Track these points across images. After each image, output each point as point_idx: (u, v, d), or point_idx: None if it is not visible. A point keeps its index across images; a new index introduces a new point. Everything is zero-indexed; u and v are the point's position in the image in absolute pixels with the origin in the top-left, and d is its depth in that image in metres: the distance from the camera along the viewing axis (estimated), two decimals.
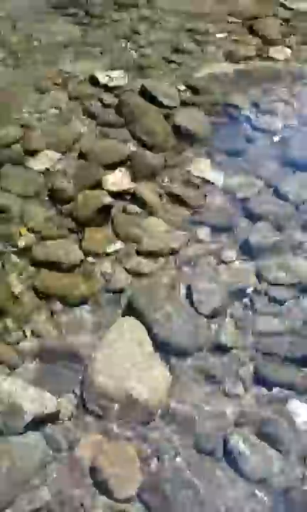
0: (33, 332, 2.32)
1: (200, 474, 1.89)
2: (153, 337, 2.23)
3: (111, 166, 3.02)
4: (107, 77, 3.58)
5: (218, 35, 4.19)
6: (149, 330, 2.25)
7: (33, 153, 3.08)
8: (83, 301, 2.45)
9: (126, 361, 2.13)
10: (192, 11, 4.51)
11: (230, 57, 3.92)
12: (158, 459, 1.93)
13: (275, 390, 2.12)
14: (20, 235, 2.68)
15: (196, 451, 1.97)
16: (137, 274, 2.55)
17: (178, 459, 1.94)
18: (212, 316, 2.36)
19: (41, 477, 1.87)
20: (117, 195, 2.89)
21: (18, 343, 2.28)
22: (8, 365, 2.19)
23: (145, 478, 1.86)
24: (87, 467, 1.90)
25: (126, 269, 2.57)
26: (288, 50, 4.01)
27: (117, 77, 3.60)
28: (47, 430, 1.98)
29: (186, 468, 1.91)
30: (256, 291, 2.45)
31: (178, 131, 3.27)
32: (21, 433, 1.93)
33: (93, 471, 1.88)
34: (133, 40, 4.10)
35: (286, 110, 3.46)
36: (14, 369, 2.18)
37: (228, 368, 2.20)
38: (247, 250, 2.62)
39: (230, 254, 2.62)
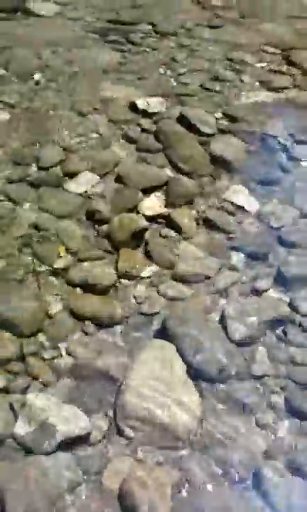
0: (67, 351, 2.35)
1: (229, 504, 1.88)
2: (185, 362, 2.24)
3: (148, 191, 3.08)
4: (146, 104, 3.65)
5: (256, 65, 4.26)
6: (182, 354, 2.26)
7: (72, 175, 3.15)
8: (116, 323, 2.48)
9: (159, 384, 2.14)
10: (230, 41, 4.61)
11: (268, 86, 3.99)
12: (189, 485, 1.93)
13: None
14: (59, 255, 2.73)
15: (226, 480, 1.96)
16: (170, 299, 2.57)
17: (208, 487, 1.93)
18: (245, 344, 2.37)
19: (70, 499, 1.87)
20: (152, 219, 2.94)
21: (52, 360, 2.31)
22: (43, 381, 2.22)
23: (175, 504, 1.85)
24: (117, 491, 1.90)
25: (159, 293, 2.60)
26: None
27: (156, 104, 3.68)
28: (77, 451, 2.00)
29: (216, 497, 1.90)
30: (289, 321, 2.45)
31: (214, 158, 3.32)
32: (52, 452, 1.94)
33: (122, 494, 1.88)
34: (171, 68, 4.19)
35: None
36: (48, 386, 2.21)
37: (260, 396, 2.20)
38: (281, 279, 2.63)
39: (264, 282, 2.64)
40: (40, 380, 2.22)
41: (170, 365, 2.22)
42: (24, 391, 2.17)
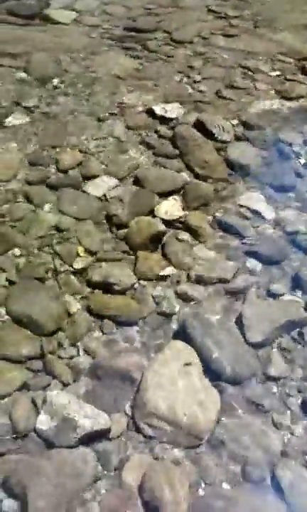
0: (85, 349, 2.39)
1: (246, 502, 1.91)
2: (203, 362, 2.28)
3: (165, 195, 3.13)
4: (163, 110, 3.71)
5: (271, 74, 4.32)
6: (200, 355, 2.30)
7: (90, 178, 3.20)
8: (134, 323, 2.52)
9: (176, 384, 2.18)
10: (245, 50, 4.67)
11: (282, 95, 4.04)
12: (206, 484, 1.96)
13: None
14: (78, 255, 2.78)
15: (243, 479, 1.99)
16: (188, 300, 2.61)
17: (224, 485, 1.97)
18: (261, 346, 2.40)
19: (92, 492, 1.91)
20: (169, 222, 2.98)
21: (71, 359, 2.35)
22: (62, 380, 2.25)
23: (193, 501, 1.88)
24: (136, 486, 1.93)
25: (177, 294, 2.64)
26: None
27: (173, 110, 3.74)
28: (98, 446, 2.03)
29: (233, 495, 1.93)
30: (305, 324, 2.48)
31: (230, 164, 3.37)
32: (73, 446, 1.99)
33: (142, 490, 1.91)
34: (188, 75, 4.25)
35: None
36: (67, 384, 2.24)
37: (276, 398, 2.23)
38: (297, 283, 2.66)
39: (280, 286, 2.67)
40: (60, 379, 2.25)
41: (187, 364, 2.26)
42: (45, 388, 2.21)
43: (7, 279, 2.62)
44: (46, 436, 2.01)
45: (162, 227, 2.88)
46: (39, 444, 2.01)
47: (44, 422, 2.03)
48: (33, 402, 2.14)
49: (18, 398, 2.18)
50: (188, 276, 2.72)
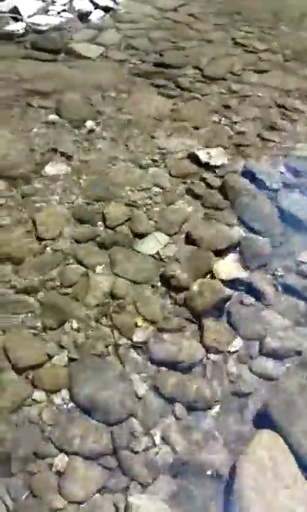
0: (161, 440, 2.18)
1: None
2: (295, 455, 2.07)
3: (221, 252, 2.95)
4: (208, 156, 3.54)
5: None
6: (290, 446, 2.09)
7: (141, 235, 3.01)
8: (209, 406, 2.31)
9: (274, 484, 1.97)
10: (279, 87, 4.53)
11: None
12: None
13: None
14: (137, 325, 2.57)
15: None
16: (264, 377, 2.41)
17: None
18: None
19: None
20: (231, 284, 2.79)
21: (147, 451, 2.13)
22: (141, 481, 2.04)
23: None
24: None
25: (251, 371, 2.44)
26: None
27: (218, 156, 3.57)
28: None
29: None
30: None
31: (284, 216, 3.19)
32: None
33: None
34: (225, 116, 4.09)
35: None
36: (147, 485, 2.03)
37: None
38: None
39: None
40: (139, 480, 2.04)
41: (280, 460, 2.05)
42: (124, 491, 2.00)
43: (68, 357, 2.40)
44: None
45: (227, 291, 2.70)
46: None
47: None
48: (115, 507, 1.92)
49: (98, 503, 1.96)
50: (260, 348, 2.51)
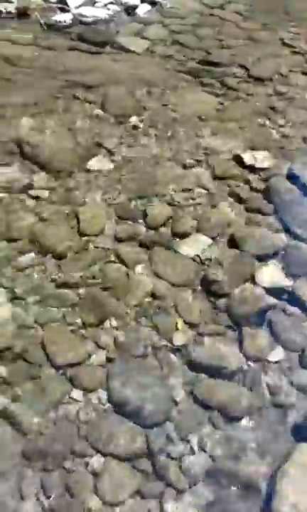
0: (198, 447, 2.15)
1: None
2: None
3: (264, 258, 2.89)
4: (253, 158, 3.48)
5: None
6: None
7: (182, 236, 2.97)
8: (247, 415, 2.27)
9: None
10: None
11: None
12: None
13: None
14: (177, 328, 2.54)
15: None
16: (304, 390, 2.36)
17: None
18: None
19: None
20: (272, 290, 2.74)
21: (182, 458, 2.10)
22: (177, 487, 2.01)
23: None
24: None
25: (292, 383, 2.39)
26: None
27: (263, 159, 3.50)
28: None
29: None
30: None
31: None
32: None
33: None
34: (271, 118, 4.01)
35: None
36: (183, 492, 2.00)
37: None
38: None
39: None
40: (175, 486, 2.01)
41: None
42: (159, 497, 1.97)
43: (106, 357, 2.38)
44: None
45: (270, 300, 2.64)
46: None
47: None
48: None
49: (133, 507, 1.94)
50: (301, 361, 2.46)
